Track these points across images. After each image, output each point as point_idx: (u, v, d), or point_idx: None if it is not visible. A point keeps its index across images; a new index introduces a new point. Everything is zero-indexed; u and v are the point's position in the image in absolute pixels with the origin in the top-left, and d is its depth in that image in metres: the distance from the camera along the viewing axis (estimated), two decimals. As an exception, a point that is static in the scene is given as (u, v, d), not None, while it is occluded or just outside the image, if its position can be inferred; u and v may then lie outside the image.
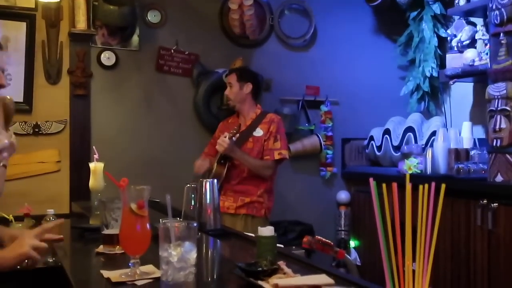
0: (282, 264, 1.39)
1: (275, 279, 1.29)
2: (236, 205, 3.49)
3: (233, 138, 3.37)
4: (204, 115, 4.18)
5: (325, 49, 4.60)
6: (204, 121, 4.18)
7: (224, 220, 3.45)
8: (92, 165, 2.72)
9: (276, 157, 3.50)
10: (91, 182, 2.71)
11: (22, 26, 3.72)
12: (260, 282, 1.29)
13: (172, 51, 4.14)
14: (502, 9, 3.12)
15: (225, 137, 3.35)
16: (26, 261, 1.78)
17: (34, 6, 3.76)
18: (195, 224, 1.25)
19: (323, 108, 4.51)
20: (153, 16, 4.13)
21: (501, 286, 2.99)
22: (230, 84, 3.58)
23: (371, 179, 1.39)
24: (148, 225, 1.45)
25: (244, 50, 4.35)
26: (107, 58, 3.98)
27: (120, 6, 3.80)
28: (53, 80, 3.83)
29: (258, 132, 3.53)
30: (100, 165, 2.72)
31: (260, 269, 1.35)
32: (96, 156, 2.73)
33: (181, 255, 1.19)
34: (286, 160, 3.62)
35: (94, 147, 2.88)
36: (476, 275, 3.16)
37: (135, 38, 4.07)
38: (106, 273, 1.43)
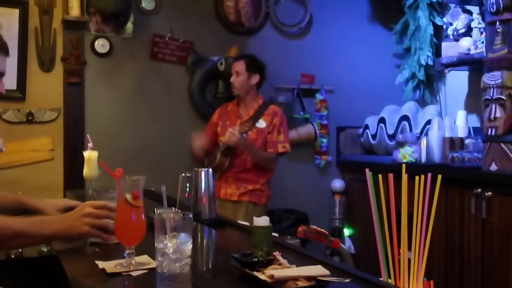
0: (277, 254, 1.39)
1: (271, 270, 1.28)
2: (239, 192, 3.51)
3: (244, 134, 3.36)
4: (199, 103, 4.16)
5: (320, 37, 4.58)
6: (199, 109, 4.16)
7: (226, 207, 3.48)
8: (86, 153, 2.70)
9: (280, 150, 3.53)
10: (85, 171, 2.69)
11: (15, 12, 3.67)
12: (255, 273, 1.29)
13: (167, 38, 4.11)
14: (498, -2, 3.11)
15: (235, 130, 3.35)
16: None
17: (26, -7, 3.72)
18: (190, 215, 1.24)
19: (318, 96, 4.50)
20: (147, 3, 4.09)
21: (494, 274, 3.01)
22: (238, 73, 3.55)
23: (367, 170, 1.39)
24: (143, 216, 1.44)
25: (239, 37, 4.33)
26: (101, 45, 3.94)
27: (114, -7, 3.76)
28: (47, 68, 3.79)
29: (261, 124, 3.52)
30: (94, 153, 2.70)
31: (256, 260, 1.35)
32: (90, 144, 2.71)
33: (176, 246, 1.18)
34: (288, 153, 3.63)
35: (88, 135, 2.86)
36: (470, 263, 3.18)
37: (129, 26, 4.03)
38: (101, 264, 1.42)
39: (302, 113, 4.48)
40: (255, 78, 3.57)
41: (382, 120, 4.29)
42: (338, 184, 4.54)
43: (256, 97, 3.64)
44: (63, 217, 1.58)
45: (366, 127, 4.45)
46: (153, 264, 1.37)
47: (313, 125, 4.44)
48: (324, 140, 4.53)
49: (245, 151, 3.46)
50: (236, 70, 3.57)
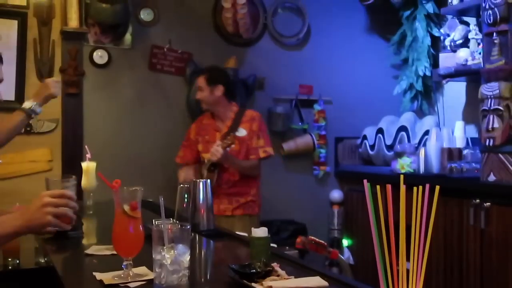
0: (275, 266, 1.38)
1: (269, 282, 1.28)
2: (232, 207, 3.50)
3: (228, 148, 3.33)
4: (197, 114, 4.14)
5: (318, 48, 4.60)
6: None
7: (220, 222, 3.46)
8: (84, 164, 2.71)
9: (262, 155, 3.51)
10: (83, 182, 2.69)
11: (14, 24, 3.69)
12: (254, 285, 1.29)
13: (165, 49, 4.12)
14: (495, 9, 3.12)
15: (218, 146, 3.31)
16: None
17: (25, 4, 3.73)
18: (188, 226, 1.24)
19: (317, 107, 4.51)
20: (146, 14, 4.11)
21: (493, 285, 3.00)
22: (200, 88, 3.52)
23: (365, 181, 1.39)
24: (141, 227, 1.44)
25: (238, 48, 4.34)
26: (100, 56, 3.96)
27: (112, 4, 3.77)
28: (45, 79, 3.79)
29: (241, 132, 3.49)
30: (93, 164, 2.70)
31: (254, 271, 1.35)
32: (88, 155, 2.71)
33: (174, 257, 1.18)
34: (271, 156, 3.60)
35: (86, 146, 2.87)
36: (469, 274, 3.17)
37: (128, 37, 4.05)
38: (98, 275, 1.42)
39: (300, 123, 4.49)
40: (219, 90, 3.50)
41: (380, 131, 4.29)
42: (336, 194, 4.53)
43: (229, 106, 3.59)
44: (22, 212, 1.56)
45: (365, 137, 4.45)
46: (151, 275, 1.36)
47: (311, 135, 4.45)
48: (323, 151, 4.53)
49: (229, 165, 3.44)
50: (198, 85, 3.54)
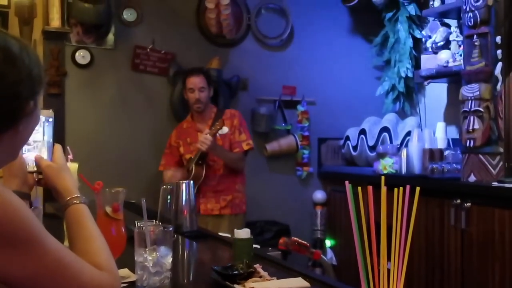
0: (258, 267, 1.39)
1: (251, 283, 1.29)
2: (220, 206, 3.51)
3: (217, 134, 3.40)
4: (180, 114, 4.14)
5: (301, 49, 4.61)
6: (181, 120, 4.14)
7: (207, 222, 3.47)
8: (66, 165, 2.68)
9: (245, 147, 3.59)
10: (65, 183, 2.66)
11: (-6, 23, 3.65)
12: (236, 286, 1.29)
13: (148, 50, 4.10)
14: (476, 11, 3.16)
15: (207, 134, 3.36)
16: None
17: (6, 3, 3.69)
18: (171, 228, 1.24)
19: (300, 108, 4.52)
20: (128, 15, 4.08)
21: (474, 284, 3.04)
22: (203, 88, 3.59)
23: (346, 182, 1.40)
24: (123, 229, 1.44)
25: (221, 49, 4.34)
26: (82, 56, 3.93)
27: (95, 4, 3.75)
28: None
29: (224, 130, 3.55)
30: (74, 165, 2.66)
31: (236, 272, 1.35)
32: (70, 156, 2.68)
33: (156, 259, 1.18)
34: (253, 149, 3.70)
35: (68, 147, 2.83)
36: (450, 273, 3.21)
37: (111, 37, 4.02)
38: (80, 277, 1.41)
39: (283, 124, 4.50)
40: (211, 89, 3.67)
41: (363, 132, 4.32)
42: (319, 195, 4.55)
43: (211, 106, 3.72)
44: None
45: (347, 138, 4.47)
46: (133, 277, 1.36)
47: (294, 136, 4.46)
48: (306, 152, 4.54)
49: (217, 154, 3.50)
50: (200, 86, 3.59)
